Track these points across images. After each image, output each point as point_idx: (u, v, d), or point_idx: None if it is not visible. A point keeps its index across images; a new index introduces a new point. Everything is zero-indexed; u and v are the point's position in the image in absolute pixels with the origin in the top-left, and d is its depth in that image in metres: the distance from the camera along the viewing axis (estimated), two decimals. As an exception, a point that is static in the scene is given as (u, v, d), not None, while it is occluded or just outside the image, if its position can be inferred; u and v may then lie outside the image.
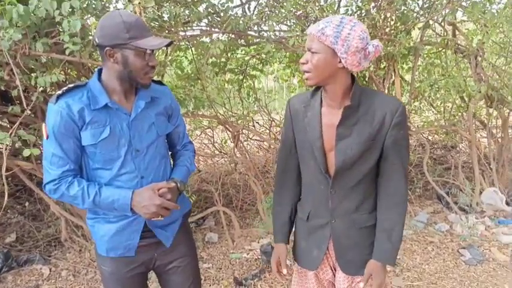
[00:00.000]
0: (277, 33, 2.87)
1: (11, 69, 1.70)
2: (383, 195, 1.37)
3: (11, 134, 1.81)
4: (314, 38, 1.22)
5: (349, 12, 3.23)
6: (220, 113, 3.67)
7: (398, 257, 3.04)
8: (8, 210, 3.74)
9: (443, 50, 3.92)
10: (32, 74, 1.89)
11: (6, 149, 2.98)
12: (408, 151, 1.37)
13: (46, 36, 2.00)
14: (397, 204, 1.35)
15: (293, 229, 1.57)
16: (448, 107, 4.35)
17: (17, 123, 1.84)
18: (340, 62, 1.22)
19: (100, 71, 1.37)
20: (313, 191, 1.42)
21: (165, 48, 3.14)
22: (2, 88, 2.13)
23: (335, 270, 1.49)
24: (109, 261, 1.45)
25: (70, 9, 1.63)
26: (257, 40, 2.93)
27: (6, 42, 1.54)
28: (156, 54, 3.43)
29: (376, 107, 1.28)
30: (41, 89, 1.83)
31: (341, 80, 1.27)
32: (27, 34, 1.66)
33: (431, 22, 3.53)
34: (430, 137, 4.92)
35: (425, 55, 4.10)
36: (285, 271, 1.49)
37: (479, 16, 2.94)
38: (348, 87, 1.29)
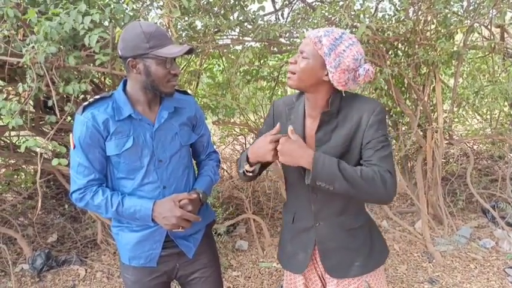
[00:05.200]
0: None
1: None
2: None
3: (48, 140, 1.90)
4: (310, 42, 1.20)
5: (387, 17, 3.11)
6: (251, 120, 3.66)
7: (437, 274, 2.87)
8: (52, 212, 3.95)
9: (490, 55, 3.67)
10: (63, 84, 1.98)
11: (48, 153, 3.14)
12: (391, 153, 1.26)
13: (83, 47, 2.08)
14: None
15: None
16: (495, 114, 4.07)
17: (53, 131, 1.94)
18: (326, 75, 1.19)
19: (125, 82, 1.39)
20: (296, 193, 1.40)
21: (197, 56, 3.17)
22: (42, 98, 2.25)
23: (325, 282, 1.45)
24: (131, 270, 1.47)
25: (91, 23, 1.70)
26: (289, 47, 2.89)
27: (41, 55, 1.63)
28: (192, 63, 3.50)
29: (354, 110, 1.26)
30: (73, 98, 1.91)
31: (323, 91, 1.25)
32: (62, 47, 1.75)
33: (476, 25, 3.32)
34: (474, 147, 4.64)
35: (470, 60, 3.86)
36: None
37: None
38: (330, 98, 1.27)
